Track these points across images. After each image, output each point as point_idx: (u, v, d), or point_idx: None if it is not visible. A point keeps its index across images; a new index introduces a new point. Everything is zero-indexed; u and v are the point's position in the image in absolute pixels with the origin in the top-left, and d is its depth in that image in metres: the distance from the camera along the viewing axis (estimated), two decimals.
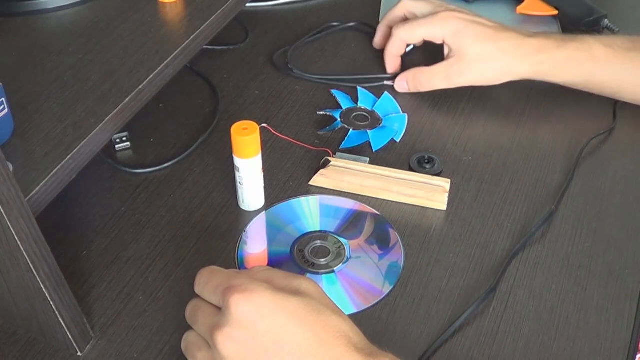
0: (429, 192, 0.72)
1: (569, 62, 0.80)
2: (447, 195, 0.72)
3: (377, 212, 0.72)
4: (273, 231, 0.71)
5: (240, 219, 0.72)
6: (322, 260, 0.67)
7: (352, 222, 0.71)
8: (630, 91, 0.81)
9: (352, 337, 0.51)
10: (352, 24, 0.99)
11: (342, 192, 0.74)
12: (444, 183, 0.73)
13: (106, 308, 0.64)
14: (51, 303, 0.55)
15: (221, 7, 0.72)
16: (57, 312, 0.56)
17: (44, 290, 0.54)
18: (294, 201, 0.73)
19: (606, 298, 0.64)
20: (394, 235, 0.70)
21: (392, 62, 0.89)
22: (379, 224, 0.71)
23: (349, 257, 0.68)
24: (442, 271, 0.66)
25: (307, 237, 0.70)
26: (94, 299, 0.64)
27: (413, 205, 0.73)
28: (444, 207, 0.72)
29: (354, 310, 0.63)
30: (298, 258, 0.68)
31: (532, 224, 0.70)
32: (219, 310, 0.52)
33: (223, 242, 0.69)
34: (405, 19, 0.89)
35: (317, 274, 0.66)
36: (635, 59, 0.79)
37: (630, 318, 0.62)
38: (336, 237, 0.69)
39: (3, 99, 0.54)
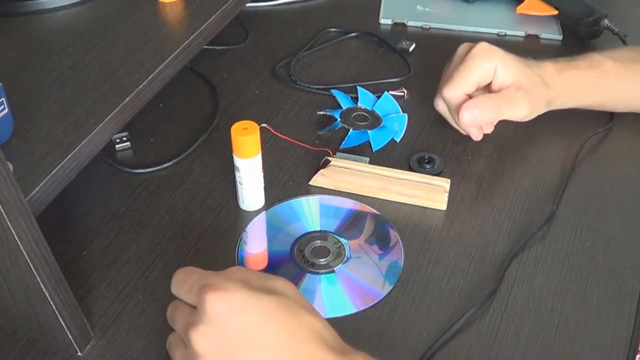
0: (429, 192, 0.72)
1: (585, 81, 0.79)
2: (447, 195, 0.72)
3: (377, 212, 0.72)
4: (273, 231, 0.71)
5: (240, 219, 0.72)
6: (322, 260, 0.67)
7: (352, 222, 0.71)
8: None
9: (325, 336, 0.51)
10: (353, 33, 0.98)
11: (342, 192, 0.74)
12: (444, 183, 0.73)
13: (106, 308, 0.64)
14: (51, 303, 0.55)
15: (221, 7, 0.72)
16: (57, 312, 0.56)
17: (44, 290, 0.54)
18: (294, 201, 0.73)
19: (606, 298, 0.64)
20: (394, 235, 0.70)
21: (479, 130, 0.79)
22: (379, 224, 0.71)
23: (349, 257, 0.68)
24: (442, 271, 0.66)
25: (307, 237, 0.70)
26: (94, 299, 0.64)
27: (413, 205, 0.73)
28: (444, 207, 0.72)
29: (354, 311, 0.63)
30: (298, 258, 0.67)
31: (532, 224, 0.70)
32: (195, 309, 0.53)
33: (223, 242, 0.69)
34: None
35: (317, 273, 0.66)
36: None
37: (630, 318, 0.62)
38: (336, 237, 0.69)
39: (3, 99, 0.54)
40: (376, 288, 0.65)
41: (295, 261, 0.67)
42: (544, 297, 0.64)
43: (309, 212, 0.72)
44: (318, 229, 0.70)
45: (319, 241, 0.69)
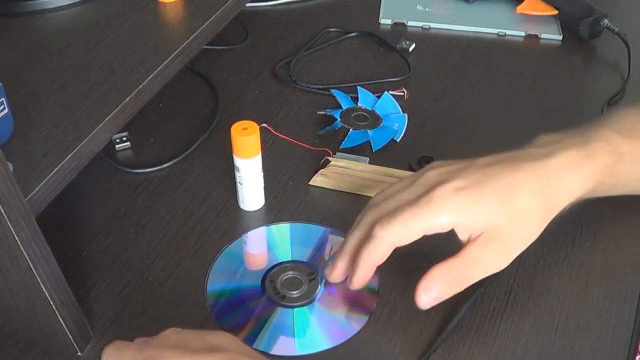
0: None
1: (605, 170, 0.63)
2: None
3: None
4: (242, 264, 0.67)
5: (240, 219, 0.72)
6: (295, 292, 0.64)
7: (322, 248, 0.68)
8: None
9: None
10: (353, 33, 0.98)
11: (341, 192, 0.74)
12: None
13: (106, 308, 0.64)
14: (51, 303, 0.55)
15: (221, 7, 0.72)
16: (57, 312, 0.56)
17: (44, 290, 0.54)
18: (264, 229, 0.70)
19: (606, 298, 0.64)
20: None
21: (368, 273, 0.60)
22: None
23: (321, 288, 0.64)
24: None
25: (279, 267, 0.66)
26: (94, 299, 0.64)
27: None
28: None
29: (330, 346, 0.60)
30: (269, 290, 0.64)
31: None
32: None
33: (223, 242, 0.69)
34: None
35: (290, 307, 0.63)
36: None
37: (630, 318, 0.62)
38: (308, 266, 0.66)
39: (3, 99, 0.54)
40: (353, 318, 0.62)
41: (267, 294, 0.64)
42: (544, 297, 0.64)
43: (280, 241, 0.70)
44: (290, 258, 0.67)
45: (290, 272, 0.66)
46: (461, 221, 0.58)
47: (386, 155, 0.78)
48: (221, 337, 0.51)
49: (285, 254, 0.68)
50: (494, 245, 0.59)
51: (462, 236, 0.59)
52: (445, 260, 0.59)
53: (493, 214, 0.58)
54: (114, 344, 0.52)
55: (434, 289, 0.58)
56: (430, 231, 0.58)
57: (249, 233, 0.70)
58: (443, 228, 0.58)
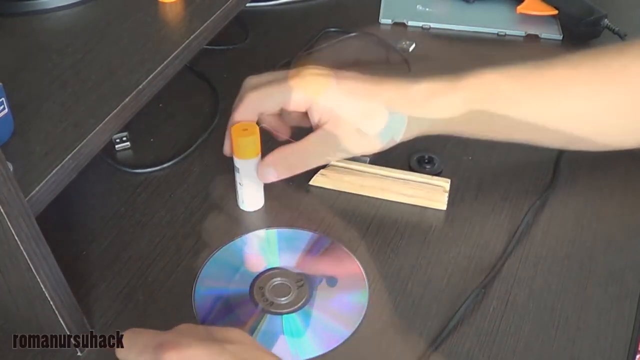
0: (429, 192, 0.72)
1: (467, 104, 0.67)
2: (447, 195, 0.72)
3: (336, 241, 0.69)
4: (230, 270, 0.67)
5: (240, 219, 0.72)
6: (283, 299, 0.63)
7: (311, 255, 0.68)
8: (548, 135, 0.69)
9: None
10: (353, 33, 0.98)
11: (341, 192, 0.74)
12: (444, 183, 0.73)
13: (106, 308, 0.63)
14: (51, 303, 0.55)
15: (221, 7, 0.72)
16: (57, 312, 0.56)
17: (44, 290, 0.54)
18: (249, 236, 0.70)
19: (606, 298, 0.64)
20: (354, 263, 0.67)
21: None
22: (339, 253, 0.68)
23: (311, 294, 0.64)
24: (442, 271, 0.66)
25: (267, 274, 0.65)
26: (94, 299, 0.64)
27: (413, 205, 0.73)
28: (443, 207, 0.72)
29: (322, 352, 0.59)
30: (258, 297, 0.64)
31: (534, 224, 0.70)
32: None
33: (223, 242, 0.69)
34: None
35: (279, 314, 0.62)
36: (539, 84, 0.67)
37: (630, 318, 0.62)
38: (296, 272, 0.66)
39: (3, 99, 0.54)
40: (342, 325, 0.61)
41: (254, 301, 0.63)
42: (544, 297, 0.64)
43: (268, 247, 0.69)
44: (278, 265, 0.67)
45: (279, 278, 0.65)
46: (316, 101, 0.66)
47: (386, 155, 0.78)
48: (234, 333, 0.51)
49: (273, 260, 0.67)
50: (337, 130, 0.66)
51: (313, 119, 0.68)
52: (291, 144, 0.69)
53: (348, 105, 0.66)
54: (129, 330, 0.52)
55: (271, 167, 0.68)
56: (288, 104, 0.68)
57: (235, 241, 0.69)
58: (300, 104, 0.67)
